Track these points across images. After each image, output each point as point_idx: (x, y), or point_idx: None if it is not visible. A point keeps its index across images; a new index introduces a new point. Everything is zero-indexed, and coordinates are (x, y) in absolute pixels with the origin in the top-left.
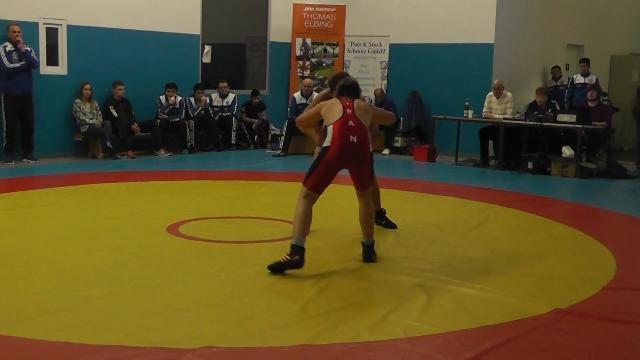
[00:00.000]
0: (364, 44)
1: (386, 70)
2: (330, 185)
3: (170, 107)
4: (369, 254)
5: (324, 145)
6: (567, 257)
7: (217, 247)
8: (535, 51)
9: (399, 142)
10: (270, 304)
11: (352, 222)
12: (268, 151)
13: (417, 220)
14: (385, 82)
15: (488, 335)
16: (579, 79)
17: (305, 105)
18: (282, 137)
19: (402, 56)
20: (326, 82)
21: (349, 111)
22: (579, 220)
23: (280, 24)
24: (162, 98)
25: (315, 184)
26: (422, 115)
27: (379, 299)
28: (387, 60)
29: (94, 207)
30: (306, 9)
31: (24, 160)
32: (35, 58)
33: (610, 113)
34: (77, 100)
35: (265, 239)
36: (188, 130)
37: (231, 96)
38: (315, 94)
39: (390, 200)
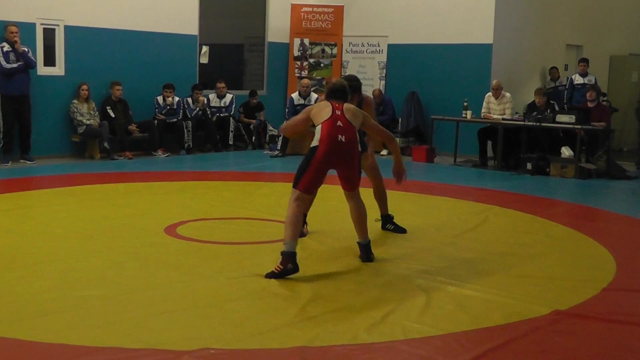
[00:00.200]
0: (362, 44)
1: (384, 71)
2: (328, 186)
3: (168, 107)
4: (367, 254)
5: (312, 145)
6: (566, 258)
7: (214, 248)
8: (534, 51)
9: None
10: (269, 305)
11: (349, 223)
12: (266, 152)
13: (415, 221)
14: (383, 82)
15: (487, 337)
16: (578, 79)
17: (303, 105)
18: (280, 138)
19: (400, 56)
20: (324, 82)
21: (338, 112)
22: (579, 221)
23: (278, 24)
24: (160, 98)
25: (307, 185)
26: (420, 116)
27: (377, 300)
28: (386, 60)
29: (92, 207)
30: (304, 9)
31: (21, 161)
32: (33, 58)
33: (610, 113)
34: (75, 101)
35: (263, 240)
36: (186, 130)
37: (229, 97)
38: (313, 95)
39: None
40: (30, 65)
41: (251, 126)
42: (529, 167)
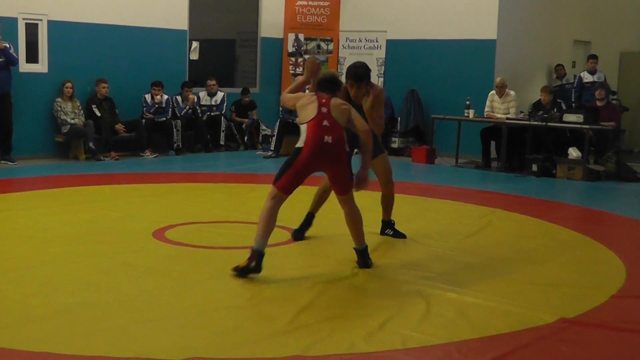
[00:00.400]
0: (360, 40)
1: (383, 68)
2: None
3: (156, 106)
4: (364, 259)
5: (297, 146)
6: (573, 264)
7: (205, 252)
8: (540, 48)
9: (396, 143)
10: (261, 312)
11: (346, 227)
12: (259, 152)
13: (415, 225)
14: (382, 79)
15: (490, 346)
16: (587, 77)
17: None
18: (274, 138)
19: (399, 53)
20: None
21: (324, 110)
22: (586, 225)
23: (271, 19)
24: (148, 97)
25: (287, 185)
26: (420, 115)
27: (375, 307)
28: (384, 56)
29: (76, 211)
30: (299, 2)
31: (2, 161)
32: (15, 55)
33: (620, 113)
34: (58, 99)
35: None
36: (175, 130)
37: (220, 95)
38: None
39: None
40: (12, 62)
41: (243, 125)
42: (535, 168)
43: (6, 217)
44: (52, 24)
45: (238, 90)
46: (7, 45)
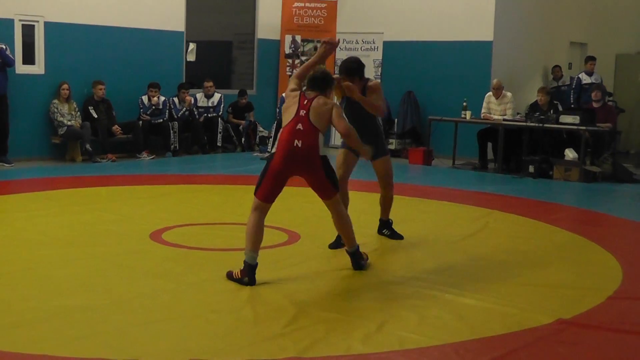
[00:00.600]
0: (357, 42)
1: (380, 69)
2: None
3: (153, 107)
4: (357, 261)
5: (271, 152)
6: (570, 265)
7: (202, 254)
8: (537, 49)
9: (393, 144)
10: (259, 314)
11: None
12: (256, 154)
13: (412, 226)
14: (379, 81)
15: (488, 347)
16: (586, 78)
17: None
18: (271, 139)
19: (396, 54)
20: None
21: (302, 112)
22: (583, 227)
23: (268, 21)
24: (145, 98)
25: (266, 193)
26: (417, 116)
27: (372, 309)
28: (381, 58)
29: (73, 212)
30: (296, 4)
31: None
32: (11, 56)
33: (616, 114)
34: (55, 101)
35: None
36: (172, 132)
37: (217, 96)
38: None
39: None
40: (8, 63)
41: (240, 127)
42: (531, 170)
43: (2, 219)
44: (48, 26)
45: (235, 91)
46: (4, 47)
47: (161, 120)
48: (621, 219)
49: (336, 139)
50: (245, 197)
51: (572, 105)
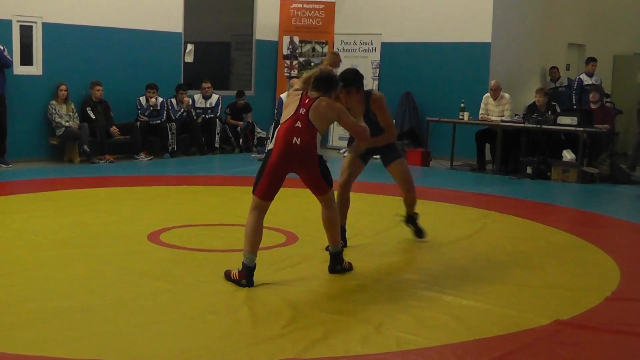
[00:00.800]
0: (355, 43)
1: (378, 70)
2: None
3: (151, 108)
4: (334, 264)
5: (268, 148)
6: (568, 266)
7: (200, 256)
8: (535, 50)
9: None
10: (257, 315)
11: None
12: (254, 155)
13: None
14: (376, 82)
15: (485, 348)
16: (587, 79)
17: None
18: (269, 140)
19: (394, 55)
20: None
21: (302, 111)
22: (581, 228)
23: (266, 22)
24: (143, 99)
25: (264, 192)
26: (415, 118)
27: (371, 310)
28: (379, 59)
29: (71, 214)
30: (294, 5)
31: None
32: (9, 57)
33: (614, 115)
34: (53, 102)
35: None
36: (169, 133)
37: (215, 97)
38: None
39: (382, 206)
40: (6, 64)
41: (238, 128)
42: (529, 171)
43: (0, 220)
44: (46, 27)
45: (233, 92)
46: (1, 48)
47: (159, 121)
48: (619, 220)
49: (335, 139)
50: (243, 198)
51: (574, 106)
